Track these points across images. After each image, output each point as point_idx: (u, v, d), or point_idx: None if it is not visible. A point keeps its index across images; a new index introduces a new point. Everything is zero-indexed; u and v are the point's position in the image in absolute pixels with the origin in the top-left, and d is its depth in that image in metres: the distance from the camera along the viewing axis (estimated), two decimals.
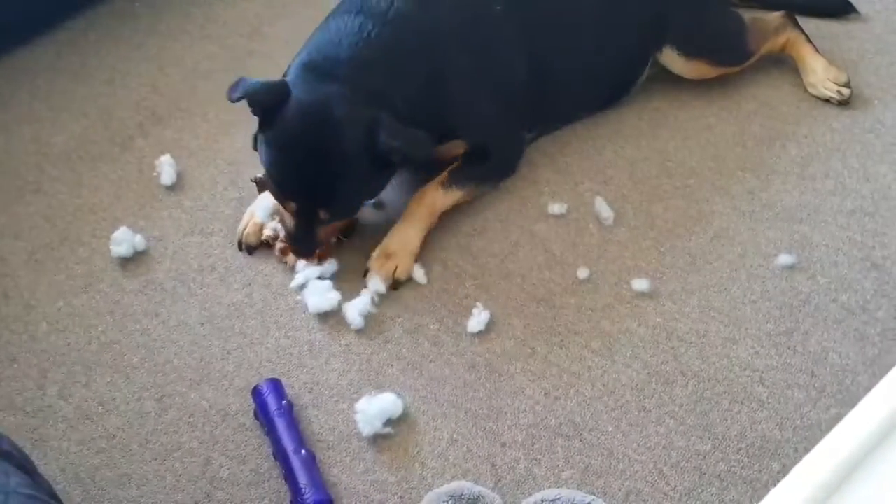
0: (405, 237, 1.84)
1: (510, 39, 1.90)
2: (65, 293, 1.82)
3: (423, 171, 1.91)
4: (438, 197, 1.87)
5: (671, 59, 2.10)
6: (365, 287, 1.78)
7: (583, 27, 2.00)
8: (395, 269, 1.80)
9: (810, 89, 2.15)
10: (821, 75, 2.14)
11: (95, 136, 2.15)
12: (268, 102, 1.68)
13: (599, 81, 2.08)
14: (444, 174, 1.89)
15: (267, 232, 1.87)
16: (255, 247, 1.88)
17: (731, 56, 2.15)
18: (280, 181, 1.73)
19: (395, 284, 1.80)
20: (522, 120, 2.00)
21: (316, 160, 1.67)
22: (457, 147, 1.90)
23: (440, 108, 1.82)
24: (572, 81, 2.02)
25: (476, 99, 1.88)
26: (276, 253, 1.85)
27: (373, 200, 1.89)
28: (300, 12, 2.40)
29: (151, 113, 2.20)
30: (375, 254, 1.82)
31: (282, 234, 1.83)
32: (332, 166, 1.68)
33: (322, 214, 1.73)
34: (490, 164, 1.94)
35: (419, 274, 1.82)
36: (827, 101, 2.13)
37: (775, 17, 2.20)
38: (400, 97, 1.73)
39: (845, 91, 2.12)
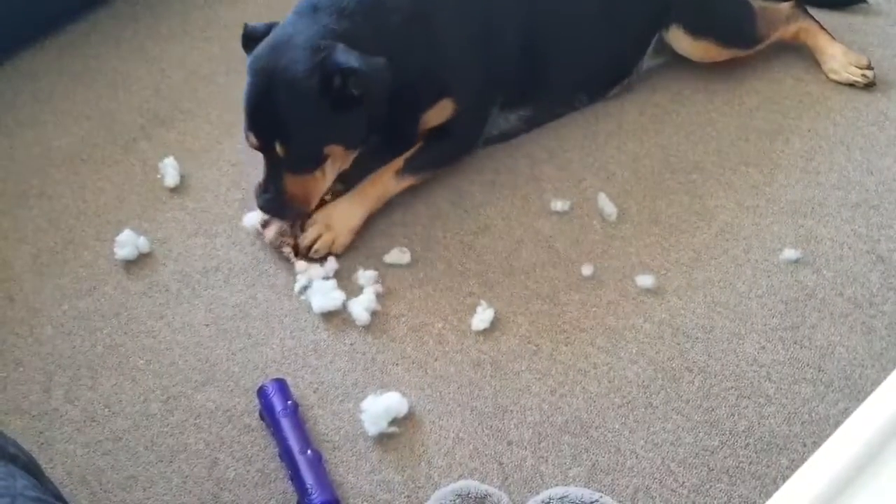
0: (349, 213, 1.85)
1: (507, 8, 1.90)
2: (69, 296, 1.83)
3: (401, 147, 1.92)
4: (391, 184, 1.89)
5: (677, 37, 2.10)
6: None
7: (584, 2, 2.00)
8: (333, 242, 1.82)
9: (832, 76, 2.15)
10: (842, 60, 2.14)
11: (98, 139, 2.15)
12: (256, 35, 1.78)
13: (599, 57, 2.07)
14: (400, 161, 1.90)
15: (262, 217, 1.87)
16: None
17: (739, 38, 2.15)
18: (245, 111, 1.75)
19: (325, 255, 1.83)
20: (503, 90, 1.99)
21: (272, 87, 1.69)
22: (442, 112, 1.89)
23: (430, 64, 1.82)
24: (571, 54, 2.02)
25: (465, 58, 1.88)
26: (268, 243, 1.85)
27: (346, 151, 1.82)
28: None
29: (154, 115, 2.20)
30: (315, 218, 1.83)
31: (272, 225, 1.85)
32: (285, 93, 1.68)
33: (278, 149, 1.72)
34: (450, 143, 1.95)
35: (404, 256, 1.83)
36: (851, 85, 2.14)
37: (785, 6, 2.21)
38: (383, 47, 1.73)
39: (869, 73, 2.13)
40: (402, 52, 1.76)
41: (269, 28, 1.79)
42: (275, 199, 1.77)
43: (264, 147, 1.75)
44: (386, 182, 1.89)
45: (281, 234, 1.83)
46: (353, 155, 1.84)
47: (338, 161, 1.79)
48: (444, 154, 1.96)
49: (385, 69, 1.69)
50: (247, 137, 1.76)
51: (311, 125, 1.71)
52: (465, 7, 1.87)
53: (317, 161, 1.76)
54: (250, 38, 1.80)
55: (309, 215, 1.84)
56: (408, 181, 1.91)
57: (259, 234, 1.87)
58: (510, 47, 1.93)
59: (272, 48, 1.72)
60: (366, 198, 1.87)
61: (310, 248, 1.83)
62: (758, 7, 2.16)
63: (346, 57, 1.65)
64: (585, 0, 2.01)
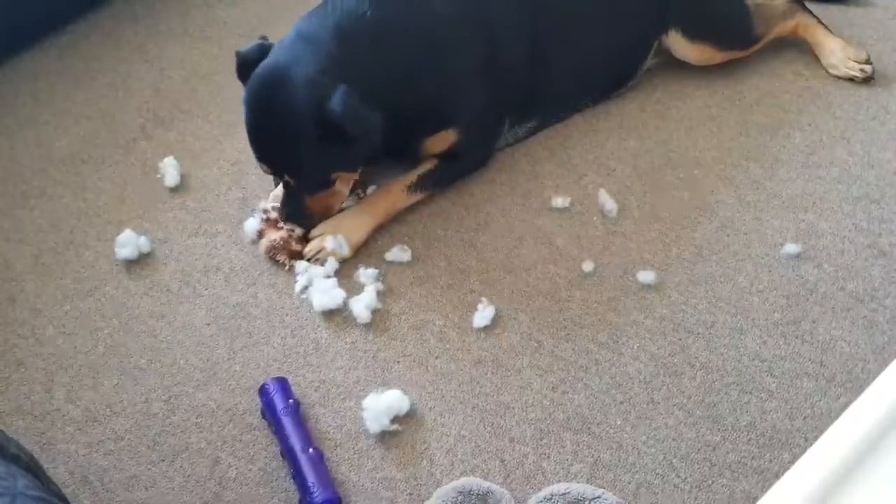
0: (356, 227, 1.85)
1: (514, 27, 1.90)
2: (70, 296, 1.83)
3: (407, 163, 1.92)
4: (401, 199, 1.89)
5: (676, 41, 2.10)
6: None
7: (585, 11, 2.00)
8: (336, 253, 1.82)
9: (832, 70, 2.15)
10: (840, 55, 2.14)
11: (98, 140, 2.15)
12: (249, 60, 1.74)
13: (603, 66, 2.07)
14: (413, 176, 1.90)
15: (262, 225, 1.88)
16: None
17: (737, 39, 2.14)
18: (250, 142, 1.75)
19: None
20: (510, 111, 1.98)
21: (271, 122, 1.69)
22: (444, 140, 1.89)
23: (433, 94, 1.82)
24: (575, 66, 2.02)
25: (470, 87, 1.87)
26: (262, 251, 1.85)
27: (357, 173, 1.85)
28: (299, 13, 2.38)
29: (154, 115, 2.20)
30: (323, 229, 1.83)
31: (266, 227, 1.87)
32: (285, 133, 1.68)
33: (288, 179, 1.75)
34: (462, 164, 1.95)
35: (405, 254, 1.83)
36: (850, 80, 2.13)
37: (782, 1, 2.19)
38: (383, 77, 1.72)
39: (868, 68, 2.12)
40: (405, 82, 1.76)
41: (261, 50, 1.75)
42: (297, 214, 1.81)
43: (277, 175, 1.80)
44: (395, 197, 1.89)
45: (273, 245, 1.84)
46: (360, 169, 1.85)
47: (347, 178, 1.82)
48: (455, 173, 1.96)
49: (376, 125, 1.68)
50: (259, 165, 1.80)
51: (313, 161, 1.72)
52: (472, 38, 1.85)
53: (326, 184, 1.79)
54: (245, 65, 1.75)
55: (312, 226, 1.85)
56: (417, 196, 1.91)
57: (255, 241, 1.88)
58: (516, 71, 1.93)
59: (267, 80, 1.69)
60: (374, 212, 1.87)
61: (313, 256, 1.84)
62: (753, 5, 2.14)
63: (343, 108, 1.63)
64: (587, 11, 2.00)
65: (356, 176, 1.85)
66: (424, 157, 1.92)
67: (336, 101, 1.63)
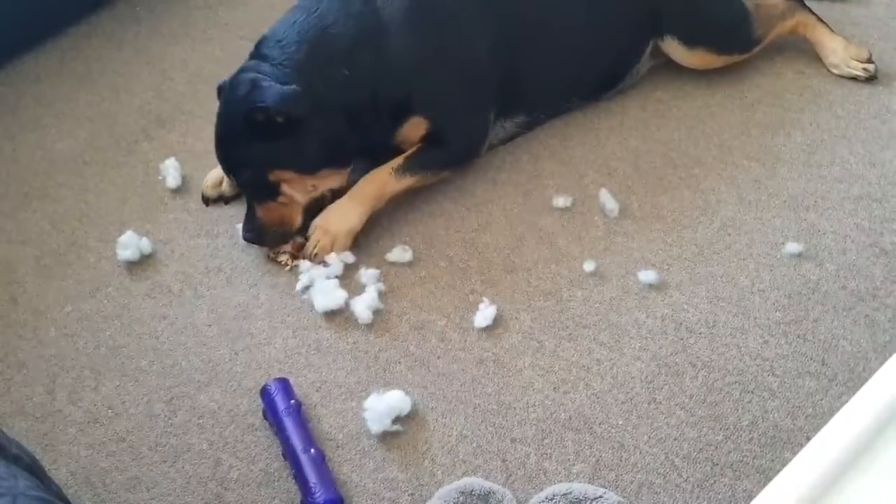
0: (346, 215, 1.85)
1: (470, 18, 1.89)
2: (72, 298, 1.83)
3: (383, 157, 1.91)
4: (389, 182, 1.88)
5: (673, 48, 2.10)
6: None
7: (563, 10, 1.98)
8: (333, 245, 1.83)
9: (833, 70, 2.14)
10: (842, 55, 2.13)
11: (100, 142, 2.16)
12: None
13: (587, 67, 2.06)
14: (399, 159, 1.89)
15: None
16: (213, 200, 1.99)
17: (735, 44, 2.13)
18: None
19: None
20: (491, 100, 1.96)
21: (218, 127, 1.82)
22: (417, 128, 1.89)
23: (383, 86, 1.82)
24: (555, 65, 2.01)
25: (432, 75, 1.87)
26: (269, 255, 1.87)
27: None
28: None
29: (155, 117, 2.20)
30: (315, 223, 1.85)
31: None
32: (223, 131, 1.80)
33: (233, 181, 1.87)
34: (449, 149, 1.93)
35: (406, 254, 1.83)
36: (853, 79, 2.13)
37: (781, 0, 2.16)
38: (334, 72, 1.78)
39: (870, 67, 2.11)
40: (347, 78, 1.79)
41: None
42: (252, 230, 1.84)
43: (232, 181, 1.91)
44: (383, 179, 1.88)
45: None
46: (342, 174, 1.87)
47: (297, 184, 1.82)
48: (443, 157, 1.93)
49: (295, 96, 1.73)
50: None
51: (245, 156, 1.78)
52: (422, 27, 1.85)
53: (270, 188, 1.80)
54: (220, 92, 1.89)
55: (304, 228, 1.86)
56: (407, 180, 1.89)
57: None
58: (483, 60, 1.91)
59: (227, 92, 1.82)
60: (362, 197, 1.86)
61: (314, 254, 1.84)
62: (752, 6, 2.10)
63: (260, 93, 1.73)
64: (568, 13, 1.98)
65: (340, 179, 1.86)
66: (406, 148, 1.92)
67: (254, 90, 1.73)
